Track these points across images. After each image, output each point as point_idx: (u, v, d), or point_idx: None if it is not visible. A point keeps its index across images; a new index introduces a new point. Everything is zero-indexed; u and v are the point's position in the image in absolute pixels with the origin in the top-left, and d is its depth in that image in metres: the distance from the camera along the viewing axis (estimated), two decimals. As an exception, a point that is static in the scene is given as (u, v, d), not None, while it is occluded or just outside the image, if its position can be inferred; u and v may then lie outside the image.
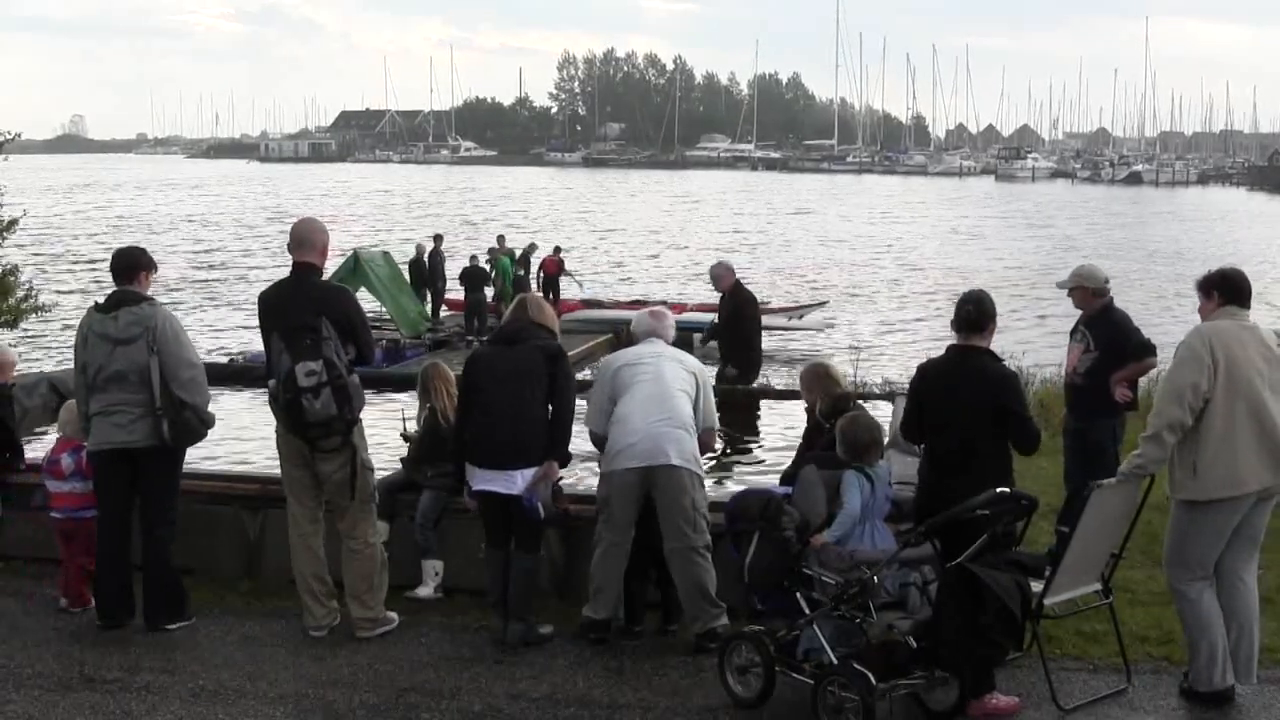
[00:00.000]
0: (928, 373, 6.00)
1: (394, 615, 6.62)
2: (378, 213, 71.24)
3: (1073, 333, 7.98)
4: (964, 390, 5.73)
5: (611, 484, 6.36)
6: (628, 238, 56.41)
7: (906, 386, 6.61)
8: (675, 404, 6.38)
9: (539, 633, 6.43)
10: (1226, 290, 5.73)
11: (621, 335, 19.55)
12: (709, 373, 7.12)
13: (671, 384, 6.43)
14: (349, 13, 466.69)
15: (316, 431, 6.23)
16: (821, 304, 31.41)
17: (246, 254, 47.48)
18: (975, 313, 5.83)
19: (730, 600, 6.32)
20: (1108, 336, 7.68)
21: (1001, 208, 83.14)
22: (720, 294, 12.87)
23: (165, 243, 49.04)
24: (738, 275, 13.11)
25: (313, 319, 6.21)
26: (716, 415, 6.70)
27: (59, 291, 31.24)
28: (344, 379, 6.19)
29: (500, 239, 28.36)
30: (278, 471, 6.63)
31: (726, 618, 6.31)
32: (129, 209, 74.43)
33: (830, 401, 6.64)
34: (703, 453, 6.62)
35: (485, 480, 6.33)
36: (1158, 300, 34.29)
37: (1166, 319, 27.23)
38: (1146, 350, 7.68)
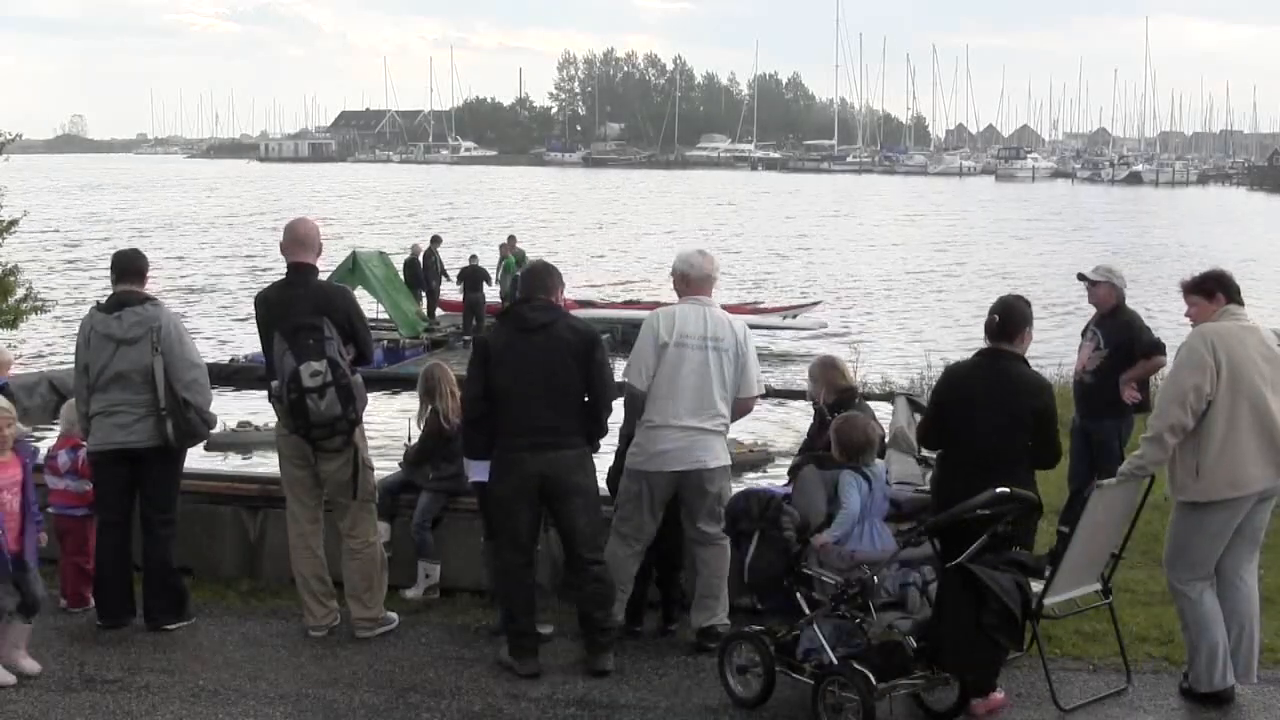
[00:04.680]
0: (954, 376, 5.89)
1: (394, 615, 6.62)
2: (404, 214, 70.87)
3: (1084, 332, 7.99)
4: (992, 395, 5.61)
5: (647, 481, 6.22)
6: (677, 239, 55.44)
7: (901, 387, 6.55)
8: (714, 402, 6.20)
9: (539, 633, 6.42)
10: (1229, 290, 5.73)
11: (616, 335, 19.36)
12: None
13: (714, 379, 6.19)
14: (345, 12, 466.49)
15: (321, 431, 6.23)
16: (815, 303, 31.41)
17: (278, 258, 46.93)
18: (1000, 322, 5.71)
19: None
20: (1118, 336, 7.69)
21: (1038, 209, 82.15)
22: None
23: (195, 244, 48.81)
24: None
25: (315, 319, 6.21)
26: (759, 382, 6.44)
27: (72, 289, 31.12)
28: (348, 379, 6.20)
29: (511, 238, 28.28)
30: (277, 471, 6.63)
31: (727, 616, 6.30)
32: (151, 209, 74.04)
33: (835, 394, 6.64)
34: (740, 416, 6.46)
35: (478, 471, 6.39)
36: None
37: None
38: (1156, 349, 7.66)
